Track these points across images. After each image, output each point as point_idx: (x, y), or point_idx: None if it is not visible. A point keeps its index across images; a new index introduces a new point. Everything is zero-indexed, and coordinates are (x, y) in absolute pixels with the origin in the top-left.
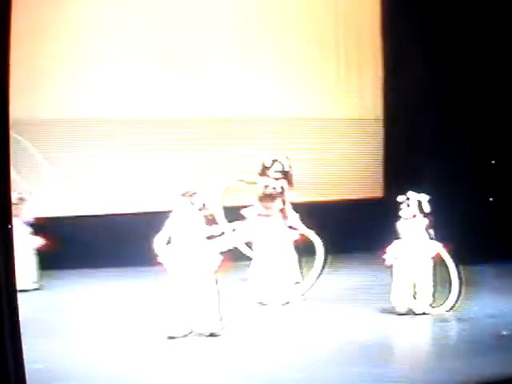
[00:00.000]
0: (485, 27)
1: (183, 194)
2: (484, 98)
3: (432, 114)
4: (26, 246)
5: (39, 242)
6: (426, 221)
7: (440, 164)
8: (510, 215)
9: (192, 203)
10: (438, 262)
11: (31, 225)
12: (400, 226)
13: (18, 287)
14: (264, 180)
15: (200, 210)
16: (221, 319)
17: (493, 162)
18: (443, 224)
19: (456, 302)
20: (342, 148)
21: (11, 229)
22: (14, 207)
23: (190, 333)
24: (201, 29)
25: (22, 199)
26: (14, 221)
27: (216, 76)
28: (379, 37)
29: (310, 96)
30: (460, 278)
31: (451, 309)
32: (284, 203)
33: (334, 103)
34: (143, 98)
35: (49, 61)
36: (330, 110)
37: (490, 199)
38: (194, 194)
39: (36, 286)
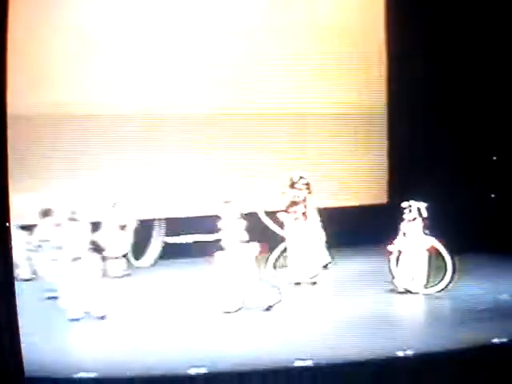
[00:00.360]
0: (487, 25)
1: (226, 202)
2: (487, 97)
3: (434, 117)
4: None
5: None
6: (423, 221)
7: (441, 168)
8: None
9: (231, 209)
10: (434, 253)
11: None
12: (403, 225)
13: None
14: (293, 191)
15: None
16: (267, 296)
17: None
18: (441, 219)
19: (448, 285)
20: (348, 159)
21: (9, 227)
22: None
23: (240, 308)
24: (213, 23)
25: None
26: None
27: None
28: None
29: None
30: (454, 265)
31: (442, 290)
32: (306, 208)
33: (340, 112)
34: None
35: (54, 58)
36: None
37: (492, 195)
38: (232, 202)
39: (126, 273)
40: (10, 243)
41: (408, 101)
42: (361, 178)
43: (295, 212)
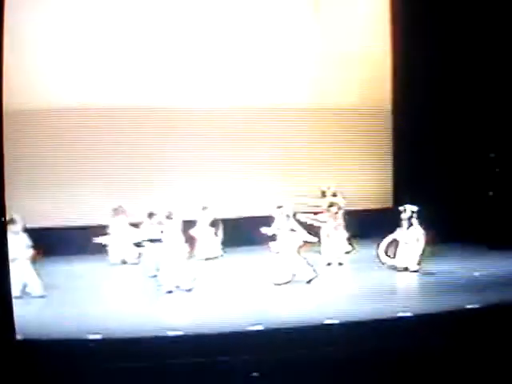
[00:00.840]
0: (489, 28)
1: (278, 207)
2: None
3: (439, 121)
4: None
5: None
6: (415, 219)
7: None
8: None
9: (282, 213)
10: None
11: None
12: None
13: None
14: (326, 200)
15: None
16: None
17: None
18: (435, 216)
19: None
20: (355, 170)
21: (4, 222)
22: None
23: (289, 282)
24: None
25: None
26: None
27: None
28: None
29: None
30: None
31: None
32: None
33: (347, 116)
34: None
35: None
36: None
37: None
38: (283, 207)
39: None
40: (6, 236)
41: (413, 103)
42: (368, 186)
43: (329, 214)
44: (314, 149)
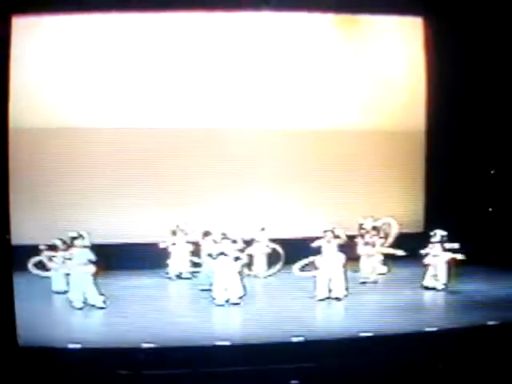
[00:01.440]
0: None
1: (325, 231)
2: None
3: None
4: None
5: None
6: (444, 243)
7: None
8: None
9: (329, 236)
10: (452, 264)
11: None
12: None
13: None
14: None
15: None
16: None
17: None
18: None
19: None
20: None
21: (9, 240)
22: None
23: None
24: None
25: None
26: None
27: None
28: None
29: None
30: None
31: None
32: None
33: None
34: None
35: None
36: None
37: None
38: (331, 231)
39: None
40: (11, 253)
41: (446, 126)
42: (400, 210)
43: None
44: (346, 172)
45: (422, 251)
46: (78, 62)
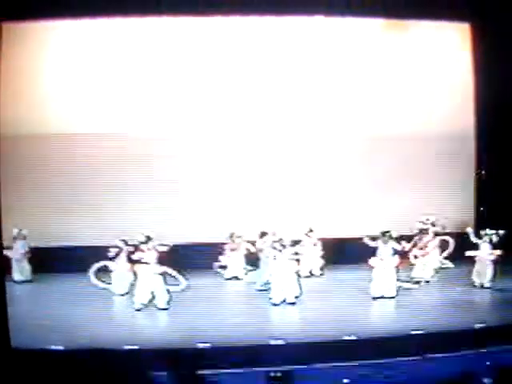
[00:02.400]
0: None
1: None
2: None
3: None
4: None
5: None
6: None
7: None
8: None
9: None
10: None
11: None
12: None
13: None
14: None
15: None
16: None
17: None
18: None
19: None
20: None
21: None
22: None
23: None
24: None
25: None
26: None
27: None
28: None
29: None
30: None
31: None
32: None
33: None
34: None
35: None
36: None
37: None
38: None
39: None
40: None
41: (496, 128)
42: (450, 211)
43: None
44: (400, 176)
45: (471, 251)
46: (68, 69)
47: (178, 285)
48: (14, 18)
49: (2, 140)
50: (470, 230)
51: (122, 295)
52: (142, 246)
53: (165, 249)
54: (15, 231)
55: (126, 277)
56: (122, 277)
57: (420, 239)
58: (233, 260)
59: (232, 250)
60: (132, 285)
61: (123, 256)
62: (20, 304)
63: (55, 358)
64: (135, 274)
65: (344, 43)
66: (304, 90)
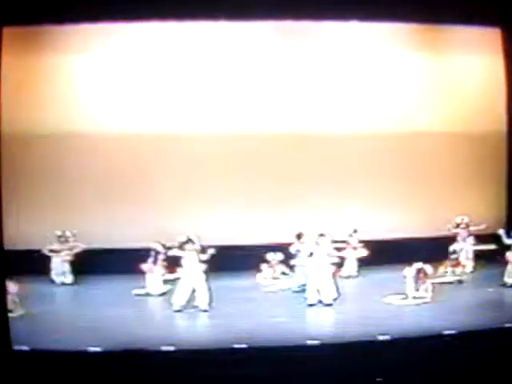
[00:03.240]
0: None
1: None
2: None
3: None
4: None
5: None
6: None
7: None
8: None
9: None
10: None
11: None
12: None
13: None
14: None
15: None
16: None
17: None
18: None
19: None
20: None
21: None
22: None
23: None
24: None
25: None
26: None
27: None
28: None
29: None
30: None
31: None
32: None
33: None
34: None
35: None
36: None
37: None
38: None
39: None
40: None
41: None
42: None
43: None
44: (430, 174)
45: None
46: (70, 71)
47: None
48: (15, 22)
49: (33, 140)
50: (501, 231)
51: (160, 296)
52: (184, 247)
53: (207, 252)
54: (58, 233)
55: (163, 278)
56: (159, 278)
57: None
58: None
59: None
60: (170, 286)
61: (160, 258)
62: (58, 305)
63: (91, 359)
64: (173, 275)
65: (375, 47)
66: (318, 94)
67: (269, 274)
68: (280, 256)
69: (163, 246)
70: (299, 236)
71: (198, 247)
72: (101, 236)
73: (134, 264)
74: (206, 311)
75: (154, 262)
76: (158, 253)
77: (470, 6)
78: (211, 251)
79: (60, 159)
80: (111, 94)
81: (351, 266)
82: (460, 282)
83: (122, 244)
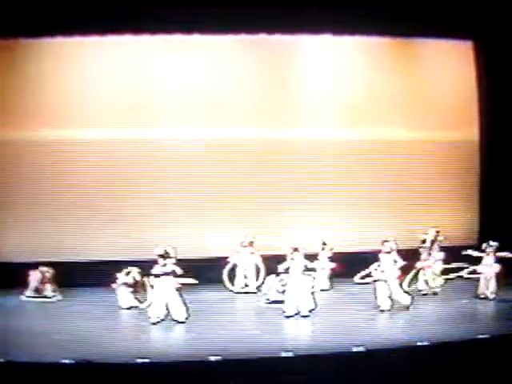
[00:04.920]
0: None
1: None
2: None
3: None
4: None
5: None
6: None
7: None
8: None
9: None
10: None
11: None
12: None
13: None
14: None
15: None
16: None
17: None
18: None
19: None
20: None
21: None
22: None
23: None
24: None
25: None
26: None
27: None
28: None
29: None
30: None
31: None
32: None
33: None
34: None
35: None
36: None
37: None
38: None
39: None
40: None
41: (499, 136)
42: (454, 224)
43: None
44: (399, 185)
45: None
46: (49, 80)
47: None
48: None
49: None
50: (469, 251)
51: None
52: (160, 261)
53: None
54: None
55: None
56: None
57: (425, 251)
58: (241, 272)
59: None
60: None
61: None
62: (32, 318)
63: (64, 371)
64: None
65: (351, 60)
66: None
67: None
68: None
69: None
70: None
71: (174, 260)
72: (74, 249)
73: (108, 277)
74: (182, 323)
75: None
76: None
77: (443, 19)
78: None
79: (33, 169)
80: (84, 107)
81: (323, 279)
82: (434, 293)
83: (96, 257)
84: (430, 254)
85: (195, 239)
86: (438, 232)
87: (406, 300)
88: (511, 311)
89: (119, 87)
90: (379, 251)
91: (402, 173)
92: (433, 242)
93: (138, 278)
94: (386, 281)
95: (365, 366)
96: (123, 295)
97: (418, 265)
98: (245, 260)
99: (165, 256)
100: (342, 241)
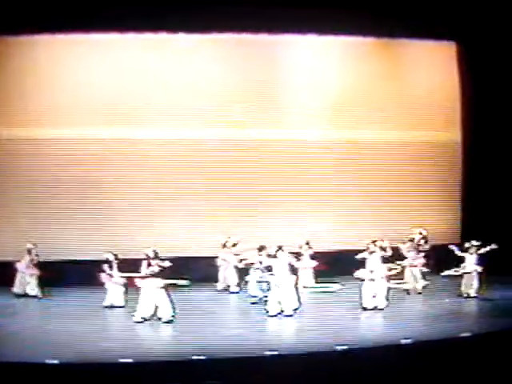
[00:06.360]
0: None
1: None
2: None
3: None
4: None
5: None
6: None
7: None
8: None
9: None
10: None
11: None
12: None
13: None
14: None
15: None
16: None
17: None
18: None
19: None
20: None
21: None
22: None
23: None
24: None
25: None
26: None
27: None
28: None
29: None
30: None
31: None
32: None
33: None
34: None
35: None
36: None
37: None
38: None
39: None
40: None
41: (484, 136)
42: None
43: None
44: (384, 185)
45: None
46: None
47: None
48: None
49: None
50: (453, 246)
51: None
52: (149, 261)
53: (167, 264)
54: (29, 245)
55: (120, 289)
56: (116, 290)
57: (410, 251)
58: (224, 272)
59: (224, 262)
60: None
61: (115, 269)
62: (18, 317)
63: (48, 371)
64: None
65: (336, 61)
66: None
67: None
68: None
69: (115, 256)
70: (261, 249)
71: (159, 260)
72: (60, 248)
73: (94, 276)
74: (169, 322)
75: (110, 274)
76: (110, 263)
77: (426, 20)
78: (167, 263)
79: (17, 169)
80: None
81: (307, 278)
82: (419, 292)
83: (81, 256)
84: (418, 253)
85: (182, 239)
86: (422, 232)
87: (382, 303)
88: (494, 310)
89: (105, 88)
90: (363, 250)
91: (385, 173)
92: (426, 241)
93: (112, 257)
94: (373, 280)
95: (349, 364)
96: (111, 291)
97: (405, 263)
98: (228, 260)
99: (152, 257)
100: (326, 240)
